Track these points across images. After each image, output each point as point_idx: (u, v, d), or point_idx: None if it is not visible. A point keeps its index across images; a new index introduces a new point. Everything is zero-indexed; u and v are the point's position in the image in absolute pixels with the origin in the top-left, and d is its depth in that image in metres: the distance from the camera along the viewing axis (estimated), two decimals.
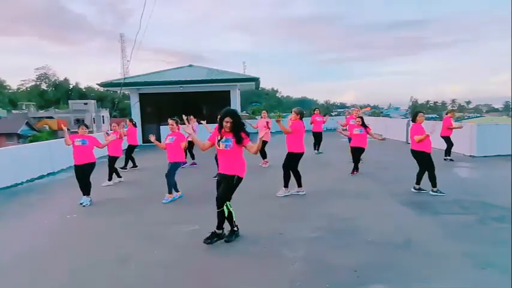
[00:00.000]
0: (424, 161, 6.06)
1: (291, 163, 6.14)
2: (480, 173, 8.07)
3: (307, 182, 6.43)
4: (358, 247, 4.00)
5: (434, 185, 6.03)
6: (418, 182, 6.21)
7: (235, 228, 4.36)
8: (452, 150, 9.61)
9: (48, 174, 9.31)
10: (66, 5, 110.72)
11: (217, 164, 4.47)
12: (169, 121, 6.43)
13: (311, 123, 11.12)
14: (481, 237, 4.18)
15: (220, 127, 4.10)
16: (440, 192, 5.96)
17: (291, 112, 6.38)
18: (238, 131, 4.05)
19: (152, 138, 6.13)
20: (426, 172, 6.08)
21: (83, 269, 3.69)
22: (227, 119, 4.02)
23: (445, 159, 9.43)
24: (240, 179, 4.13)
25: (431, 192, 6.01)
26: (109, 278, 3.49)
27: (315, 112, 11.65)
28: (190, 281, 3.39)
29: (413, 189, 6.23)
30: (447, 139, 9.46)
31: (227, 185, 4.09)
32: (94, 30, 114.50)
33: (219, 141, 4.10)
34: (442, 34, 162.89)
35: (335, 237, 4.33)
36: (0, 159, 7.96)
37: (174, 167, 6.22)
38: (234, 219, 4.31)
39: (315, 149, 11.30)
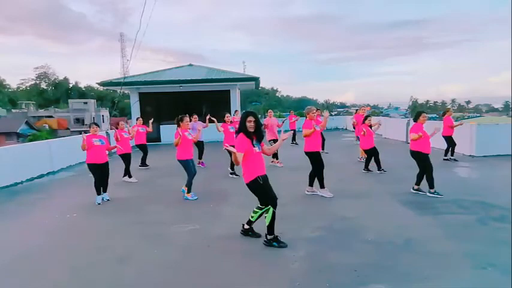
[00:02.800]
0: (421, 161, 6.05)
1: (315, 162, 6.10)
2: (480, 173, 8.07)
3: (306, 182, 6.42)
4: (358, 247, 4.00)
5: (431, 186, 5.99)
6: (417, 183, 6.19)
7: (252, 232, 4.40)
8: (454, 151, 9.61)
9: (48, 174, 9.30)
10: (65, 4, 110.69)
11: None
12: (185, 119, 6.22)
13: None
14: (481, 237, 4.18)
15: (247, 131, 3.97)
16: (438, 194, 5.91)
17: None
18: (260, 130, 4.08)
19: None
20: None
21: (82, 269, 3.69)
22: (249, 118, 3.97)
23: (446, 159, 9.44)
24: None
25: (428, 194, 5.99)
26: (109, 278, 3.49)
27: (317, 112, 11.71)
28: (191, 281, 3.39)
29: (412, 190, 6.21)
30: (449, 139, 9.46)
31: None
32: (94, 29, 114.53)
33: (254, 145, 4.00)
34: (442, 34, 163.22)
35: (335, 236, 4.33)
36: (0, 158, 7.95)
37: (188, 164, 6.21)
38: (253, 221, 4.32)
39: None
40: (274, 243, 4.05)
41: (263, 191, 4.06)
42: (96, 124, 6.42)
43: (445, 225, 4.59)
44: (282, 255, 3.85)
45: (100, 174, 6.20)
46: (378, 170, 8.02)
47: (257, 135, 4.05)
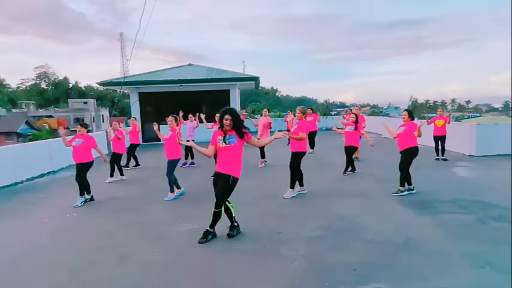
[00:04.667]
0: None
1: (298, 163, 6.12)
2: (479, 172, 8.08)
3: (307, 182, 6.43)
4: (357, 246, 4.01)
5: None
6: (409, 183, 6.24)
7: (236, 224, 4.42)
8: (450, 149, 9.65)
9: (48, 173, 9.32)
10: (65, 3, 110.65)
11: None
12: (169, 117, 6.47)
13: None
14: (481, 237, 4.19)
15: (222, 126, 4.16)
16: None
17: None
18: (239, 127, 4.12)
19: (155, 126, 6.44)
20: (406, 172, 6.17)
21: (82, 268, 3.70)
22: (226, 116, 4.09)
23: (440, 159, 9.46)
24: (235, 180, 4.15)
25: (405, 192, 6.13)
26: (109, 277, 3.50)
27: (308, 112, 11.75)
28: (190, 280, 3.40)
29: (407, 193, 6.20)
30: (443, 138, 9.52)
31: (224, 185, 4.12)
32: (94, 29, 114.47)
33: (221, 139, 4.14)
34: (442, 34, 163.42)
35: (335, 236, 4.34)
36: (1, 158, 7.96)
37: (170, 164, 6.27)
38: (234, 215, 4.39)
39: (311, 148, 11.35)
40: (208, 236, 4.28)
41: (214, 187, 4.26)
42: (81, 125, 6.40)
43: (444, 225, 4.60)
44: (281, 254, 3.85)
45: (76, 174, 6.23)
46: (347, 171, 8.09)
47: (237, 132, 4.12)
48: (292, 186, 6.19)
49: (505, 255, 3.61)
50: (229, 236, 4.32)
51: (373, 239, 4.18)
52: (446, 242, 4.06)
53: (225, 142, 4.11)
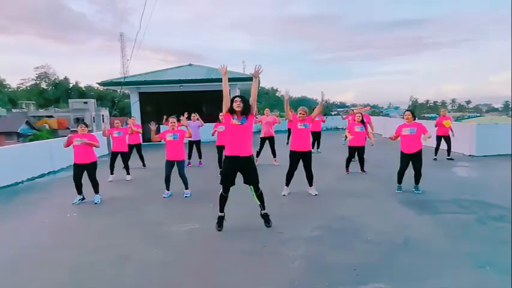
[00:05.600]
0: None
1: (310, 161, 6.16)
2: (480, 172, 8.08)
3: (305, 182, 6.42)
4: (357, 246, 4.01)
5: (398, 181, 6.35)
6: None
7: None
8: (450, 149, 9.65)
9: (49, 173, 9.32)
10: (66, 3, 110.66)
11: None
12: (171, 119, 6.43)
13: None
14: (481, 237, 4.19)
15: (233, 110, 4.30)
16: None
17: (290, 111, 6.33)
18: (248, 109, 4.31)
19: (153, 126, 6.31)
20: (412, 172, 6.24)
21: (82, 268, 3.70)
22: (236, 99, 4.28)
23: (437, 159, 9.47)
24: (253, 157, 4.51)
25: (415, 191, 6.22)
26: (109, 277, 3.50)
27: None
28: (190, 280, 3.40)
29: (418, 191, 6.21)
30: (448, 138, 9.51)
31: (254, 167, 4.46)
32: (94, 29, 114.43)
33: (233, 119, 4.30)
34: (442, 34, 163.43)
35: (335, 236, 4.34)
36: (1, 158, 7.97)
37: (183, 164, 6.47)
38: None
39: (312, 148, 11.39)
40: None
41: (223, 172, 4.50)
42: (85, 124, 6.38)
43: (444, 225, 4.60)
44: (281, 253, 3.86)
45: (77, 174, 6.15)
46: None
47: (243, 111, 4.28)
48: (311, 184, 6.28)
49: (505, 255, 3.62)
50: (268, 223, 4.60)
51: (373, 239, 4.18)
52: (446, 242, 4.06)
53: (234, 121, 4.27)
